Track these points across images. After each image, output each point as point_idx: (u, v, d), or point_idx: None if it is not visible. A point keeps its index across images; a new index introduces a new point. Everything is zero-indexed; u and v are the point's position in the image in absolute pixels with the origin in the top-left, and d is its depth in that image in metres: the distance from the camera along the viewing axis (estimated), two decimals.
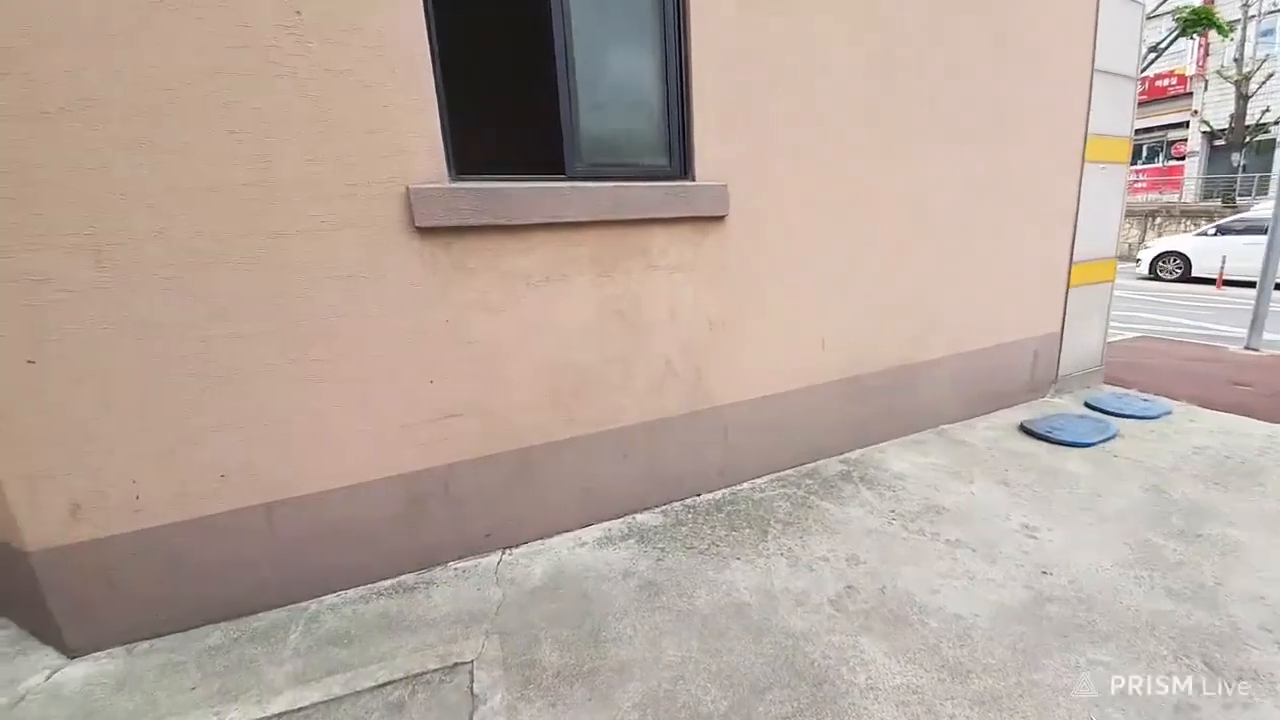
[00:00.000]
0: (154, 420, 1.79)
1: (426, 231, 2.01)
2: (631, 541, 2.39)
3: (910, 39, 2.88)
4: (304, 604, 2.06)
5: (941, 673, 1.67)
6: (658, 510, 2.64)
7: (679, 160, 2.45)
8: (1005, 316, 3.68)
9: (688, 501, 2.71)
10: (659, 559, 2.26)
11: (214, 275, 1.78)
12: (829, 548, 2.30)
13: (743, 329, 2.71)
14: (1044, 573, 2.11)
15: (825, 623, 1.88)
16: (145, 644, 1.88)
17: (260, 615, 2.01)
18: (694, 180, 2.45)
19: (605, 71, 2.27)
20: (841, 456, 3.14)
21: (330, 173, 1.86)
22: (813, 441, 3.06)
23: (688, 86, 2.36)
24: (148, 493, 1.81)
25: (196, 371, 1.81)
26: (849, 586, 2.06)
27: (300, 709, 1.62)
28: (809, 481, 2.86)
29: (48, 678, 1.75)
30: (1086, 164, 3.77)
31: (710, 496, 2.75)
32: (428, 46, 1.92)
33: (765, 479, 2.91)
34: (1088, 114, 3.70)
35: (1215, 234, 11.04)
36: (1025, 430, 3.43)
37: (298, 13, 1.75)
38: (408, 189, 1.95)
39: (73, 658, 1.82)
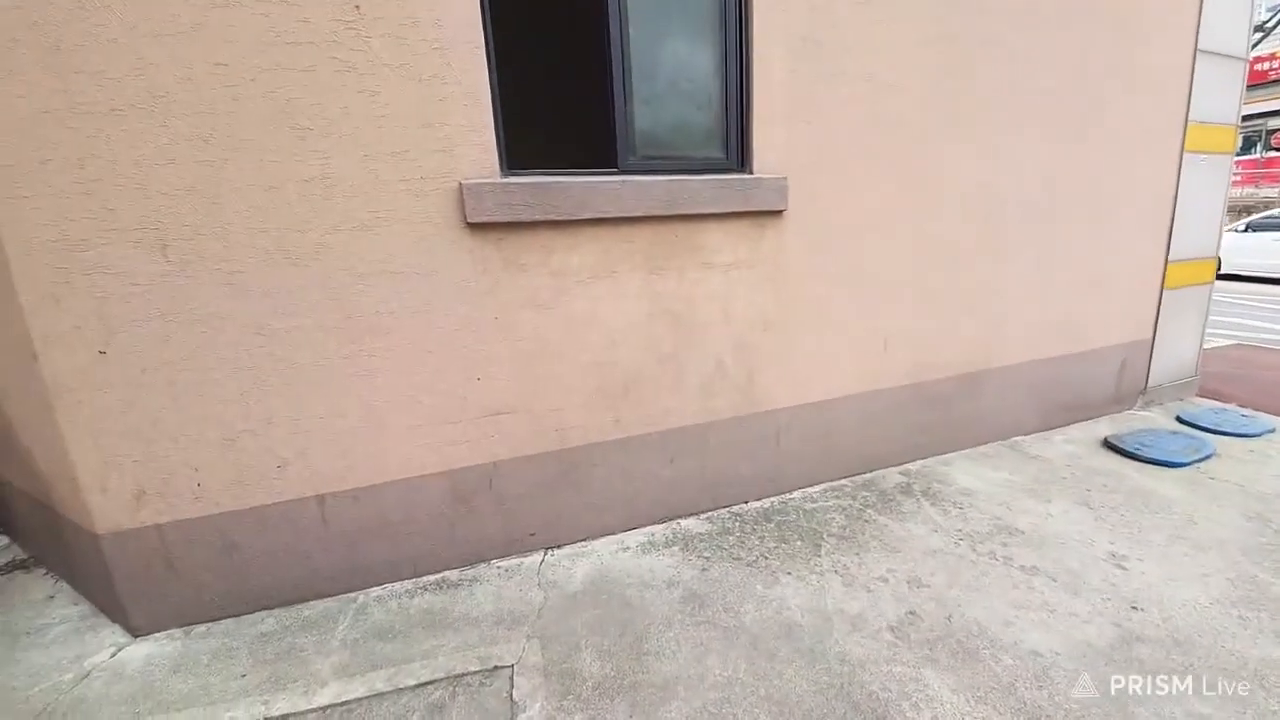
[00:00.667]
0: (215, 410, 1.83)
1: (478, 227, 1.98)
2: (676, 548, 2.31)
3: (988, 17, 2.66)
4: (353, 595, 2.09)
5: (1018, 717, 1.52)
6: (704, 516, 2.55)
7: (736, 152, 2.34)
8: (1089, 320, 3.38)
9: (735, 508, 2.61)
10: (704, 568, 2.18)
11: (274, 269, 1.80)
12: (888, 567, 2.15)
13: (799, 330, 2.58)
14: (1134, 608, 1.91)
15: (885, 651, 1.75)
16: (203, 627, 1.94)
17: (311, 604, 2.05)
18: (751, 173, 2.33)
19: (660, 60, 2.18)
20: (901, 467, 2.96)
21: (385, 168, 1.86)
22: (870, 450, 2.90)
23: (748, 74, 2.25)
24: (208, 481, 1.86)
25: (257, 364, 1.84)
26: (911, 612, 1.92)
27: (344, 702, 1.63)
28: (865, 493, 2.71)
29: (112, 655, 1.83)
30: (1186, 154, 3.42)
31: (759, 504, 2.64)
32: (483, 37, 1.89)
33: (818, 488, 2.77)
34: (1189, 99, 3.35)
35: (1246, 230, 10.77)
36: (1110, 446, 3.15)
37: (357, 7, 1.74)
38: (460, 184, 1.93)
39: (136, 636, 1.90)
